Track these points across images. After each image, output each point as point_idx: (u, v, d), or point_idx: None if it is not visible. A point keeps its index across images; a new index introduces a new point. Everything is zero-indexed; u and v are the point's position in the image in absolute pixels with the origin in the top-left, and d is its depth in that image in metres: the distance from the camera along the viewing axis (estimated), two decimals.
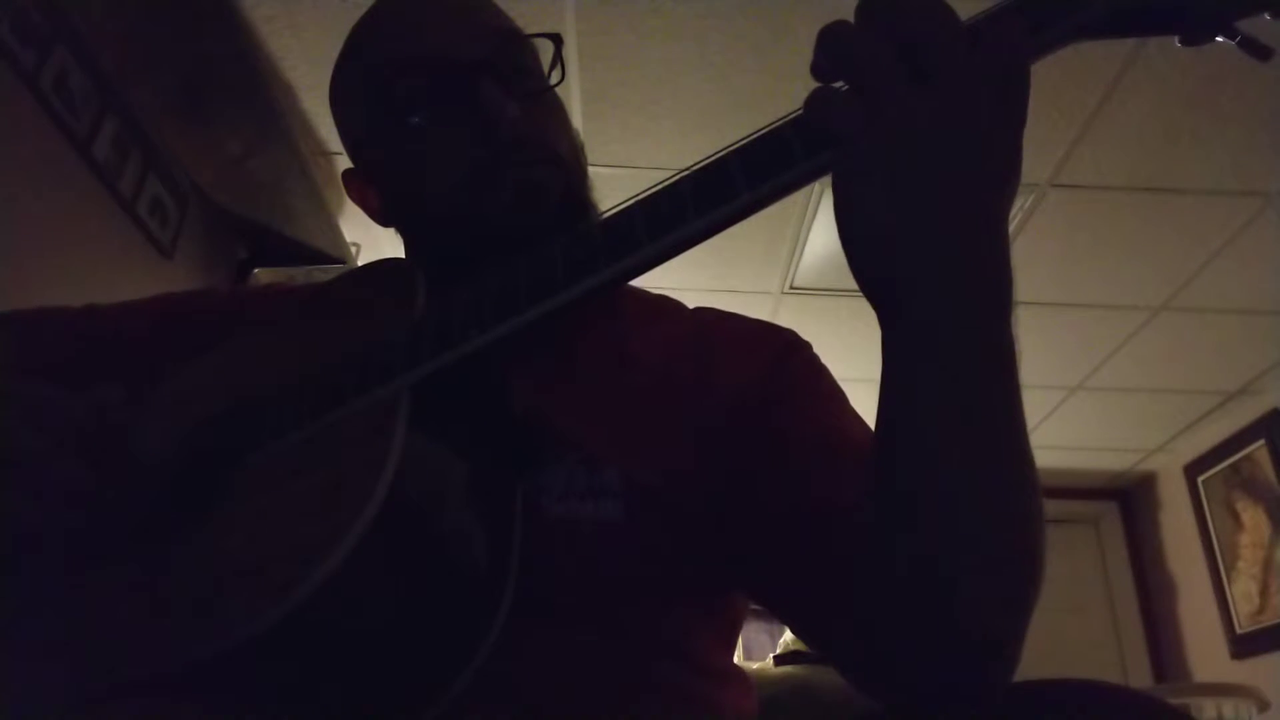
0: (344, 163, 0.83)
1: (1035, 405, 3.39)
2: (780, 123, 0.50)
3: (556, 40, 0.76)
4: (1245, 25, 0.46)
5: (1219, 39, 0.46)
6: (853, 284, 0.49)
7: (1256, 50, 0.45)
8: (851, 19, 0.47)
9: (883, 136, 0.46)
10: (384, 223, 0.81)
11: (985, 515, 0.49)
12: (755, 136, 0.51)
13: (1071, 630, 3.80)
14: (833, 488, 0.62)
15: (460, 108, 0.71)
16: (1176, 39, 0.47)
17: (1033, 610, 0.52)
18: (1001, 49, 0.45)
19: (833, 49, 0.47)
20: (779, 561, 0.64)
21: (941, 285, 0.47)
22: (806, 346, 0.77)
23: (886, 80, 0.45)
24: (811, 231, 2.47)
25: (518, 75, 0.74)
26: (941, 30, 0.45)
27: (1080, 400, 3.37)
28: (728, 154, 0.52)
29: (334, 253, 2.42)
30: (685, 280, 2.61)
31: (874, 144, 0.46)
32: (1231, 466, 3.53)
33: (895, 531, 0.51)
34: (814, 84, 0.48)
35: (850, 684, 0.60)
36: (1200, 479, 3.70)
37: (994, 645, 0.51)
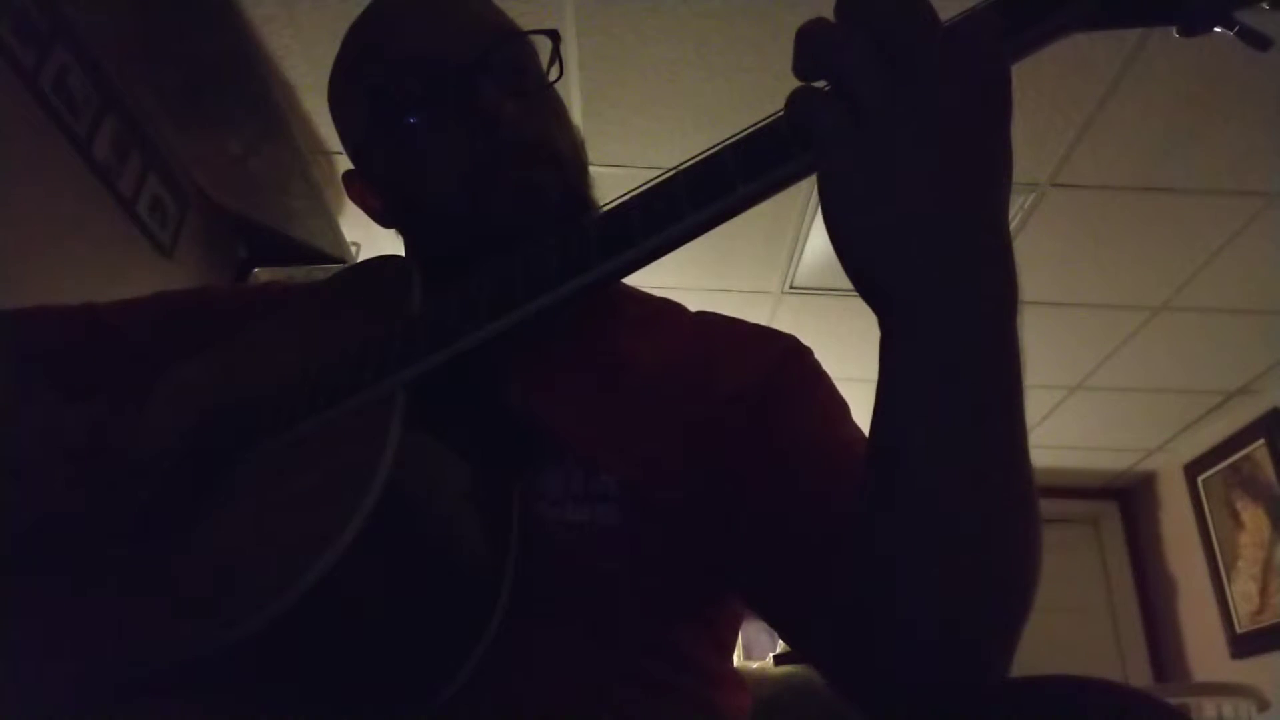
0: (344, 163, 0.82)
1: (1035, 405, 3.39)
2: (775, 116, 0.50)
3: (554, 37, 0.76)
4: (1244, 16, 0.46)
5: (1217, 29, 0.46)
6: None
7: (1255, 40, 0.45)
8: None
9: (862, 137, 0.45)
10: (384, 224, 0.80)
11: (975, 519, 0.49)
12: (750, 130, 0.51)
13: (1071, 630, 3.79)
14: (825, 492, 0.61)
15: (458, 108, 0.71)
16: (1175, 30, 0.47)
17: (1023, 620, 0.51)
18: (978, 48, 0.45)
19: (810, 48, 0.46)
20: (768, 565, 0.64)
21: (928, 284, 0.46)
22: (807, 352, 0.77)
23: (864, 81, 0.45)
24: (811, 231, 2.47)
25: (515, 73, 0.73)
26: (918, 29, 0.44)
27: (1080, 400, 3.36)
28: (723, 148, 0.52)
29: (334, 252, 2.43)
30: (684, 280, 2.61)
31: (854, 144, 0.45)
32: (1231, 466, 3.52)
33: (883, 539, 0.51)
34: None
35: (831, 689, 0.59)
36: (1200, 479, 3.70)
37: (981, 646, 0.51)
